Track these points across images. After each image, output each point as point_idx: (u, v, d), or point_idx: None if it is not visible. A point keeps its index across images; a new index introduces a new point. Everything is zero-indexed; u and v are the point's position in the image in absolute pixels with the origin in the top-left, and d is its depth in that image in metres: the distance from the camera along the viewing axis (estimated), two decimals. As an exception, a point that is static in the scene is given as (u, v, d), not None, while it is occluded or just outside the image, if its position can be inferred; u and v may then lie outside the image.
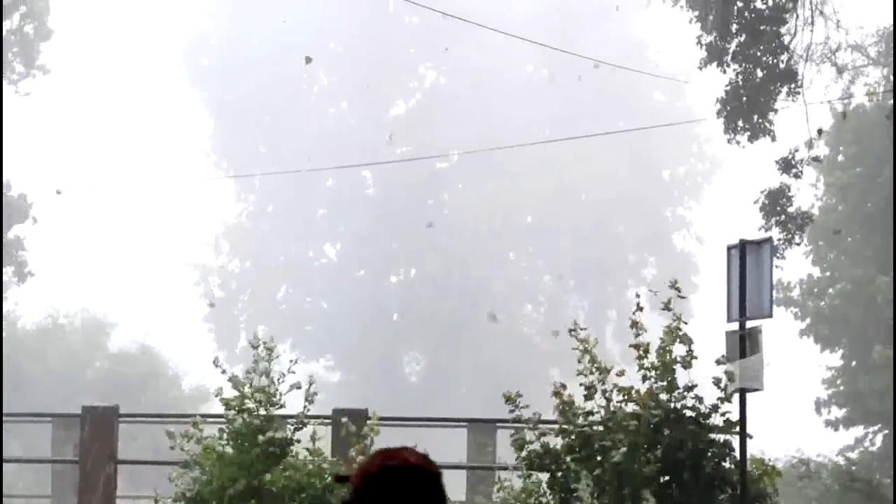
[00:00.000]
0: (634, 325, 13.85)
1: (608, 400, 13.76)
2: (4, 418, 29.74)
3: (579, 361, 13.73)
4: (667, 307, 13.68)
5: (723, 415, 13.86)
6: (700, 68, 26.27)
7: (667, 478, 13.33)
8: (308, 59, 43.70)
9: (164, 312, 74.30)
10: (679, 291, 13.74)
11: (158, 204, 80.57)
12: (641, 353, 13.74)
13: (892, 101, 13.66)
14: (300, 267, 67.04)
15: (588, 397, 13.83)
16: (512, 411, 13.88)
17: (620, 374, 13.83)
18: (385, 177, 64.89)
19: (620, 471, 13.11)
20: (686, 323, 13.99)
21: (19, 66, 41.28)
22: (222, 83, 65.86)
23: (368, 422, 14.12)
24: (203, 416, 18.56)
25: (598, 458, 13.38)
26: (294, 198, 65.68)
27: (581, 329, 13.87)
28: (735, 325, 14.07)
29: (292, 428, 13.75)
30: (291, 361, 14.26)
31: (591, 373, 13.73)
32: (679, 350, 13.85)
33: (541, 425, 13.82)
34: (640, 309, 14.04)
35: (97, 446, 18.38)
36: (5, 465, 30.65)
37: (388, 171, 61.43)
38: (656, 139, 60.76)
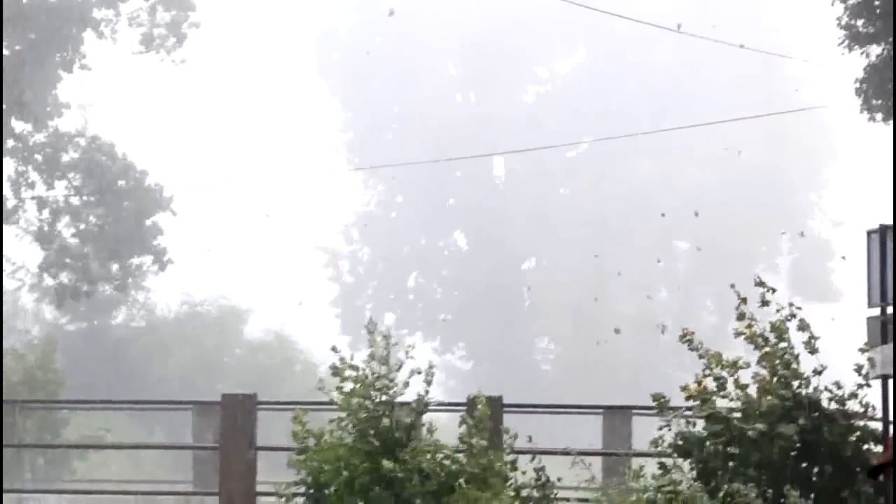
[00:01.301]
0: (742, 316, 13.77)
1: (741, 388, 13.72)
2: (147, 406, 30.39)
3: (701, 358, 13.73)
4: (764, 303, 13.60)
5: (861, 401, 13.73)
6: (844, 48, 25.87)
7: (805, 464, 13.26)
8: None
9: (298, 300, 75.12)
10: (764, 286, 13.64)
11: (290, 194, 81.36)
12: (760, 341, 13.68)
13: None
14: (430, 256, 67.38)
15: (720, 388, 13.81)
16: (658, 413, 13.80)
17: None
18: (514, 166, 64.96)
19: (760, 457, 13.07)
20: (800, 308, 13.83)
21: (166, 54, 42.04)
22: (351, 75, 66.42)
23: (479, 407, 14.11)
24: (332, 402, 18.81)
25: (738, 445, 13.35)
26: (423, 187, 66.00)
27: (690, 334, 13.80)
28: (876, 311, 13.91)
29: (416, 414, 13.80)
30: (410, 347, 14.28)
31: (720, 367, 13.69)
32: (800, 337, 13.74)
33: (685, 412, 13.79)
34: (743, 301, 13.93)
35: (237, 433, 18.69)
36: (148, 452, 31.32)
37: (517, 159, 61.51)
38: (788, 123, 60.06)
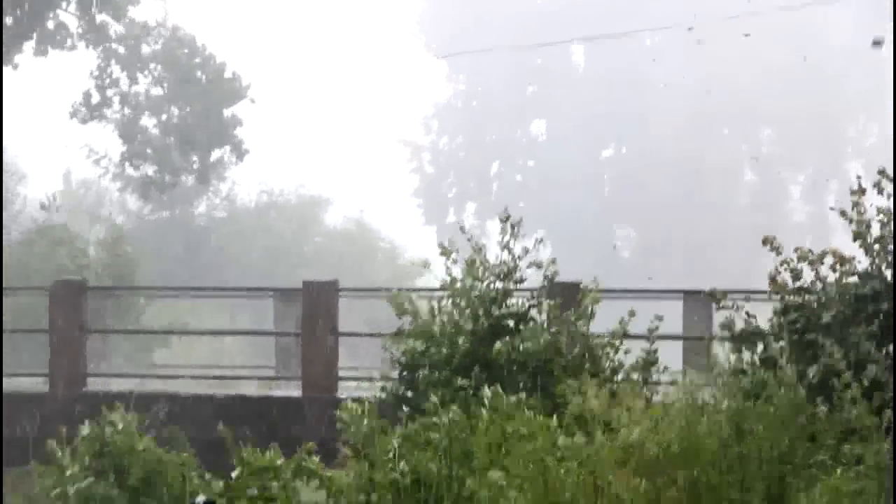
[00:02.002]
0: (852, 207, 13.62)
1: (821, 279, 13.65)
2: (230, 293, 30.64)
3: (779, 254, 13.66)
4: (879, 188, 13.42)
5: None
6: None
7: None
8: None
9: (377, 189, 75.36)
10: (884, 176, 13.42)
11: (369, 84, 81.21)
12: (864, 229, 13.55)
13: None
14: (510, 144, 67.18)
15: (796, 278, 13.76)
16: (719, 309, 13.82)
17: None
18: (595, 53, 64.32)
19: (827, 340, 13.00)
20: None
21: None
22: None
23: (591, 293, 14.13)
24: (419, 288, 18.85)
25: (815, 330, 13.29)
26: (504, 76, 65.59)
27: (772, 239, 13.69)
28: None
29: (529, 304, 13.84)
30: (538, 240, 14.35)
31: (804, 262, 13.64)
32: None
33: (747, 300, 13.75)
34: (862, 192, 13.73)
35: (318, 319, 18.83)
36: (231, 339, 31.67)
37: (598, 46, 60.87)
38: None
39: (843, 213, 13.63)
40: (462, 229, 14.53)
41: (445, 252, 13.96)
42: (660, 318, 13.41)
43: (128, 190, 44.75)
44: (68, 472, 11.59)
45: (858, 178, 14.02)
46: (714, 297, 13.92)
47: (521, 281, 14.04)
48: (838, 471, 10.97)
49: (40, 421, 18.42)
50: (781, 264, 13.79)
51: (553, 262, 14.26)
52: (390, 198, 72.33)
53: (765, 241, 13.75)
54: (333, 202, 53.95)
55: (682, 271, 55.66)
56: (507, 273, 13.92)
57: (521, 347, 13.27)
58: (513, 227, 13.97)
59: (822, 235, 56.13)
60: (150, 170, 41.54)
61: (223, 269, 43.40)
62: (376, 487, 9.84)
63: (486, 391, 11.21)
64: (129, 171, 42.62)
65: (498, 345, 13.16)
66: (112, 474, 11.51)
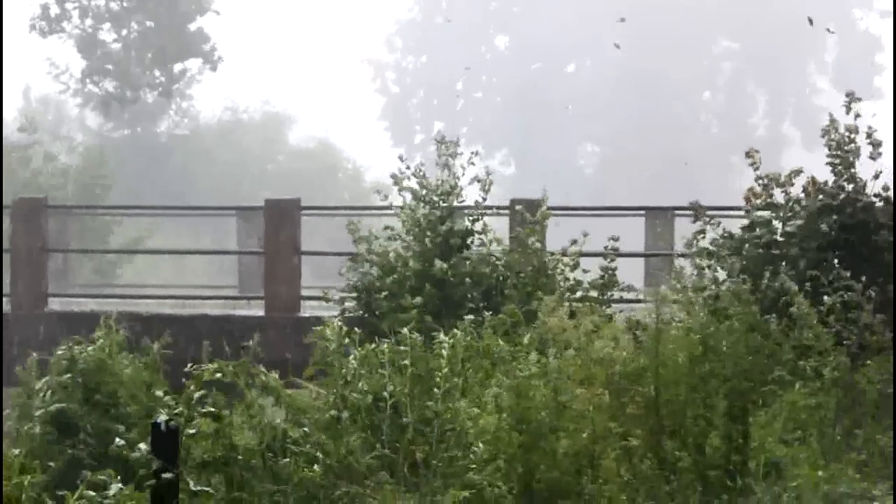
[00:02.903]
0: (822, 135, 13.75)
1: (788, 196, 13.81)
2: (192, 212, 30.56)
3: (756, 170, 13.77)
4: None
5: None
6: None
7: (847, 263, 13.30)
8: None
9: (341, 109, 75.05)
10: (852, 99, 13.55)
11: (332, 1, 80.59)
12: (834, 145, 13.72)
13: None
14: (474, 61, 66.85)
15: (768, 196, 13.91)
16: (695, 222, 13.94)
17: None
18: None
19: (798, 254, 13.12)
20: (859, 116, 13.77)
21: None
22: None
23: (540, 210, 14.18)
24: (382, 207, 18.84)
25: (777, 246, 13.42)
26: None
27: (755, 152, 13.81)
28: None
29: (471, 220, 13.90)
30: (473, 153, 14.38)
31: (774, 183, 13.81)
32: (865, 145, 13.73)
33: (717, 212, 13.86)
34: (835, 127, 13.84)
35: (281, 238, 18.80)
36: (194, 258, 31.60)
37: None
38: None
39: (827, 138, 13.72)
40: (441, 140, 14.55)
41: (397, 181, 14.04)
42: (615, 239, 13.46)
43: (88, 107, 44.39)
44: (40, 395, 11.61)
45: (831, 116, 14.05)
46: (696, 211, 13.96)
47: (462, 199, 14.08)
48: (796, 385, 11.10)
49: (2, 341, 18.38)
50: (756, 180, 13.93)
51: (489, 174, 14.28)
52: (355, 117, 72.08)
53: (748, 155, 13.86)
54: (298, 121, 53.72)
55: (646, 190, 55.74)
56: (449, 192, 13.96)
57: (468, 265, 13.32)
58: (448, 147, 14.06)
59: (777, 150, 56.29)
60: (110, 85, 41.21)
61: (186, 187, 43.19)
62: (347, 406, 9.86)
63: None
64: (90, 87, 42.26)
65: (438, 263, 13.20)
66: (80, 393, 11.53)
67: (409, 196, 14.08)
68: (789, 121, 65.73)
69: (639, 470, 8.95)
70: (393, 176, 14.37)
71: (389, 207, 14.90)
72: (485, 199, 14.39)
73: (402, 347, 10.41)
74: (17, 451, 9.41)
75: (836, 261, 13.22)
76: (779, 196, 13.93)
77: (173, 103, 46.46)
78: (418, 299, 12.67)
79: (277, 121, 52.44)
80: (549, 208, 14.24)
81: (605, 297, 13.05)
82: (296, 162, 49.78)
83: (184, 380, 10.61)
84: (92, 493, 8.45)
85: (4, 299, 19.15)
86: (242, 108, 52.14)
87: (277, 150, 51.23)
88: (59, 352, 12.28)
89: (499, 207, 14.47)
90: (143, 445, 8.97)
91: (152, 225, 31.21)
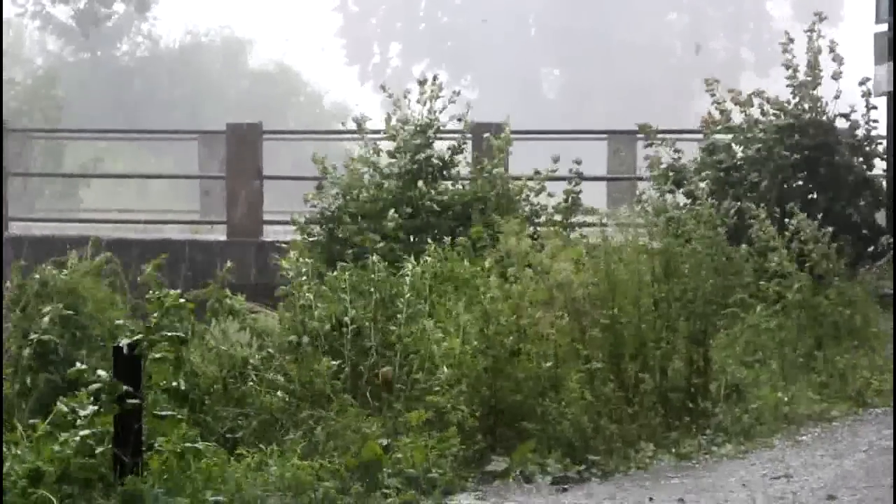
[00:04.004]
0: (783, 51, 13.80)
1: (748, 116, 13.89)
2: (153, 136, 30.39)
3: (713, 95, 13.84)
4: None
5: (868, 122, 13.86)
6: None
7: (810, 186, 13.39)
8: None
9: (299, 30, 74.52)
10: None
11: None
12: (791, 72, 13.78)
13: None
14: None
15: (726, 119, 13.99)
16: (647, 146, 14.06)
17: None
18: None
19: (760, 179, 13.19)
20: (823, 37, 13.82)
21: None
22: None
23: (502, 135, 14.16)
24: (344, 132, 18.75)
25: (738, 170, 13.49)
26: None
27: (714, 82, 13.89)
28: (884, 27, 13.75)
29: (450, 150, 13.88)
30: (454, 92, 14.33)
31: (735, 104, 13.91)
32: (828, 65, 13.80)
33: (678, 136, 13.94)
34: (791, 41, 13.88)
35: (242, 162, 18.75)
36: (155, 183, 31.45)
37: None
38: None
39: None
40: (383, 88, 14.56)
41: (361, 128, 14.01)
42: (578, 163, 13.48)
43: (48, 30, 43.93)
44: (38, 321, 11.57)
45: (787, 34, 14.05)
46: (645, 132, 14.05)
47: (440, 129, 14.07)
48: (758, 308, 11.20)
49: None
50: (713, 104, 13.99)
51: (468, 107, 14.30)
52: (313, 38, 71.59)
53: (707, 83, 13.91)
54: (256, 43, 53.34)
55: (608, 114, 55.74)
56: (427, 126, 13.96)
57: (441, 192, 13.33)
58: (432, 88, 14.00)
59: (734, 74, 56.29)
60: (72, 8, 40.77)
61: (147, 111, 42.90)
62: (307, 331, 9.87)
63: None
64: (50, 9, 41.79)
65: (420, 184, 13.21)
66: (49, 318, 11.50)
67: (392, 122, 14.04)
68: (748, 46, 65.75)
69: (601, 392, 9.01)
70: (355, 120, 14.32)
71: (350, 132, 14.85)
72: (462, 135, 14.37)
73: (366, 272, 10.43)
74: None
75: (797, 183, 13.31)
76: (738, 117, 13.96)
77: (133, 27, 46.06)
78: (393, 223, 12.67)
79: (237, 45, 52.09)
80: (512, 133, 14.22)
81: (569, 221, 13.07)
82: (256, 86, 49.49)
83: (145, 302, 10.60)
84: (65, 411, 8.44)
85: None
86: (203, 32, 51.76)
87: (239, 73, 50.92)
88: (36, 276, 12.24)
89: (463, 132, 14.42)
90: (101, 372, 8.96)
91: (114, 149, 31.04)
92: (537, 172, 13.55)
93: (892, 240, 12.83)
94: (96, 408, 8.46)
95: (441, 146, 14.04)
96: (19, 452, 8.01)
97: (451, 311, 9.89)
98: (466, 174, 13.87)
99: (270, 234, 18.12)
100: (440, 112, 14.01)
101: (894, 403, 7.84)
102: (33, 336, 11.30)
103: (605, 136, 20.36)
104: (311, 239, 13.20)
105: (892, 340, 9.08)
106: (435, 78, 14.24)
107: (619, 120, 25.20)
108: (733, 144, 13.81)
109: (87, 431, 8.15)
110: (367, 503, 7.97)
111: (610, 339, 9.31)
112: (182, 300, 9.52)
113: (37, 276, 12.02)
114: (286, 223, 16.83)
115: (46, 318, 11.50)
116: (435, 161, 13.63)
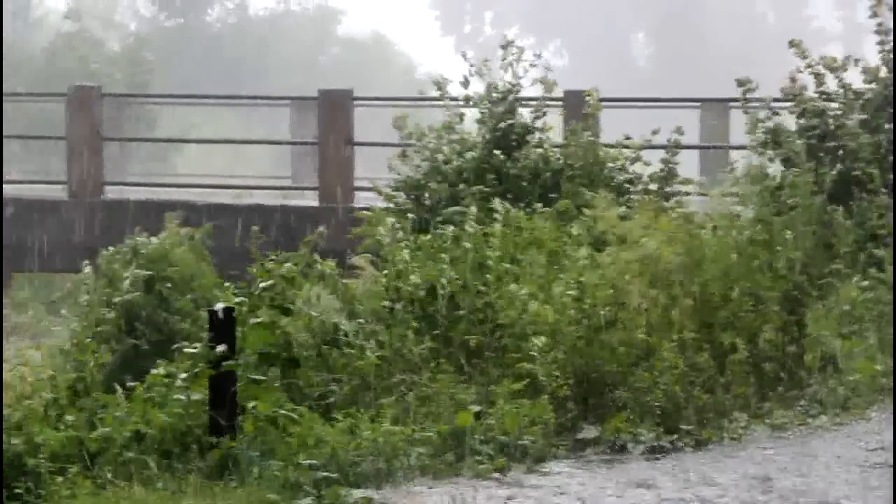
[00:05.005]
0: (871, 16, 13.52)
1: (844, 86, 13.62)
2: (246, 101, 30.60)
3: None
4: None
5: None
6: None
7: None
8: None
9: (392, 1, 74.52)
10: None
11: None
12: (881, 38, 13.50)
13: None
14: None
15: (819, 83, 13.73)
16: (745, 92, 13.84)
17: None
18: None
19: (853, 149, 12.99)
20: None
21: None
22: None
23: (589, 100, 14.09)
24: (435, 99, 18.73)
25: (834, 138, 13.29)
26: None
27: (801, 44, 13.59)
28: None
29: (533, 116, 13.83)
30: (535, 55, 14.28)
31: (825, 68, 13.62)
32: None
33: (773, 104, 13.73)
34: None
35: (334, 129, 18.82)
36: (247, 148, 31.70)
37: None
38: None
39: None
40: (464, 55, 14.53)
41: (441, 88, 14.00)
42: (679, 133, 13.36)
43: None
44: (123, 283, 11.72)
45: None
46: (743, 85, 13.76)
47: (521, 96, 14.03)
48: (854, 278, 11.04)
49: (62, 227, 18.55)
50: (806, 67, 13.72)
51: (548, 70, 14.22)
52: (406, 8, 71.56)
53: (792, 45, 13.65)
54: (348, 12, 53.42)
55: (700, 82, 55.27)
56: (510, 90, 13.91)
57: (528, 159, 13.28)
58: (514, 52, 13.95)
59: (852, 47, 55.52)
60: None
61: (239, 78, 43.15)
62: (400, 296, 9.90)
63: (497, 203, 11.22)
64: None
65: (500, 154, 13.18)
66: (141, 283, 11.65)
67: (475, 89, 14.03)
68: (841, 14, 64.88)
69: (694, 362, 8.95)
70: (435, 83, 14.31)
71: (440, 99, 14.83)
72: (545, 101, 14.30)
73: (456, 238, 10.44)
74: (94, 335, 9.59)
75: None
76: (832, 83, 13.68)
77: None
78: (476, 189, 12.64)
79: (329, 13, 52.19)
80: (602, 100, 14.14)
81: (664, 191, 12.97)
82: (349, 54, 49.59)
83: (237, 268, 10.70)
84: (161, 375, 8.56)
85: (60, 186, 19.31)
86: (294, 0, 51.92)
87: (330, 41, 51.04)
88: (128, 241, 12.38)
89: (553, 99, 14.36)
90: (201, 335, 9.07)
91: (206, 115, 31.28)
92: (628, 138, 13.46)
93: None
94: (192, 371, 8.58)
95: (526, 113, 14.01)
96: (118, 415, 8.13)
97: (540, 278, 9.87)
98: (556, 142, 13.81)
99: (361, 200, 18.17)
100: (522, 76, 13.95)
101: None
102: (117, 299, 11.44)
103: (697, 103, 20.18)
104: (396, 207, 13.22)
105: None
106: (514, 42, 14.15)
107: (711, 88, 24.99)
108: (826, 111, 13.58)
109: (184, 395, 8.26)
110: (459, 469, 7.98)
111: (702, 308, 9.24)
112: (287, 269, 9.59)
113: (126, 242, 12.18)
114: (378, 190, 16.89)
115: (127, 282, 11.64)
116: (518, 128, 13.58)
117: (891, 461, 7.12)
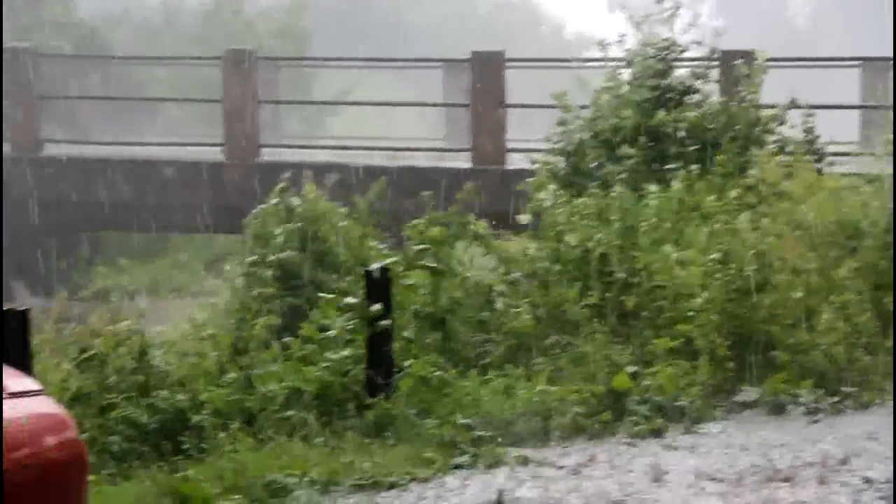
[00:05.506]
0: None
1: None
2: (395, 64, 30.73)
3: None
4: None
5: None
6: None
7: None
8: None
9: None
10: None
11: None
12: None
13: None
14: None
15: None
16: None
17: None
18: None
19: None
20: None
21: None
22: None
23: (755, 62, 13.87)
24: (587, 60, 18.65)
25: None
26: None
27: None
28: None
29: (693, 75, 13.66)
30: (695, 15, 14.10)
31: None
32: None
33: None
34: None
35: (486, 90, 18.80)
36: (399, 111, 31.85)
37: None
38: None
39: None
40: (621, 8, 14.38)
41: (603, 48, 13.85)
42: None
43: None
44: (274, 240, 11.83)
45: None
46: None
47: (683, 50, 13.84)
48: None
49: (219, 189, 18.86)
50: None
51: (716, 33, 14.03)
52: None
53: None
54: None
55: (860, 41, 54.16)
56: (669, 47, 13.74)
57: (686, 118, 13.11)
58: (670, 9, 13.76)
59: None
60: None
61: (390, 40, 43.35)
62: (558, 258, 9.88)
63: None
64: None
65: (661, 113, 13.02)
66: (298, 242, 11.76)
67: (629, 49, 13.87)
68: None
69: (856, 323, 8.80)
70: (599, 43, 14.18)
71: (591, 60, 14.72)
72: (704, 61, 14.12)
73: (612, 200, 10.39)
74: (254, 293, 9.72)
75: None
76: None
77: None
78: (633, 150, 12.53)
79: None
80: (756, 59, 13.90)
81: (823, 152, 12.72)
82: (499, 14, 49.50)
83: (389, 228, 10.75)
84: (313, 330, 8.67)
85: (218, 148, 19.58)
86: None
87: (479, 3, 51.00)
88: (273, 201, 12.47)
89: (711, 60, 14.15)
90: (356, 293, 9.15)
91: (359, 77, 31.46)
92: (793, 102, 13.21)
93: None
94: (349, 330, 8.67)
95: (683, 74, 13.83)
96: (277, 370, 8.26)
97: (697, 240, 9.78)
98: (715, 102, 13.60)
99: (514, 161, 18.15)
100: (681, 34, 13.79)
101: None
102: (271, 257, 11.56)
103: (857, 63, 19.75)
104: (553, 172, 13.16)
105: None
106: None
107: (871, 48, 24.46)
108: None
109: (342, 353, 8.35)
110: (615, 430, 7.96)
111: (867, 270, 9.08)
112: (440, 230, 9.64)
113: (276, 200, 12.27)
114: (528, 150, 16.86)
115: (281, 239, 11.75)
116: (677, 87, 13.43)
117: None
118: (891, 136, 11.08)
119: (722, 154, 11.74)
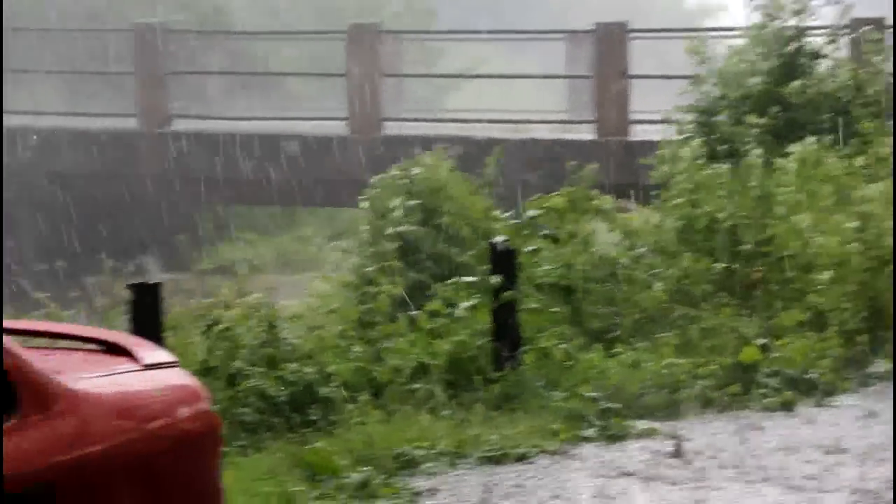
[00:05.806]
0: None
1: None
2: (518, 37, 30.67)
3: None
4: None
5: None
6: None
7: None
8: None
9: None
10: None
11: None
12: None
13: None
14: None
15: None
16: None
17: None
18: None
19: None
20: None
21: None
22: None
23: (886, 29, 13.62)
24: (713, 29, 18.44)
25: None
26: None
27: None
28: None
29: (825, 41, 13.40)
30: None
31: None
32: None
33: None
34: None
35: (609, 62, 18.68)
36: (521, 83, 31.78)
37: None
38: None
39: None
40: None
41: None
42: None
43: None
44: (392, 214, 11.82)
45: None
46: None
47: (814, 16, 13.58)
48: None
49: (343, 163, 18.96)
50: None
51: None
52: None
53: None
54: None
55: None
56: (801, 10, 13.49)
57: (817, 86, 12.89)
58: None
59: None
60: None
61: (509, 12, 43.21)
62: (686, 230, 9.78)
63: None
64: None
65: (796, 83, 12.80)
66: (419, 216, 11.74)
67: (758, 16, 13.63)
68: None
69: None
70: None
71: (717, 29, 14.50)
72: (837, 28, 13.83)
73: (740, 170, 10.26)
74: (371, 268, 9.75)
75: None
76: None
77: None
78: (763, 119, 12.34)
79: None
80: (888, 27, 13.64)
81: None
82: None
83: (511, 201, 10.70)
84: (443, 306, 8.68)
85: (341, 122, 19.68)
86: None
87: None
88: (395, 173, 12.42)
89: (841, 27, 13.89)
90: (481, 267, 9.15)
91: (482, 51, 31.43)
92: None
93: None
94: (474, 302, 8.68)
95: (813, 42, 13.59)
96: (404, 345, 8.28)
97: (826, 210, 9.63)
98: (846, 70, 13.35)
99: (638, 133, 18.00)
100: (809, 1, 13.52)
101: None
102: (389, 230, 11.54)
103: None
104: (683, 137, 12.98)
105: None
106: None
107: None
108: None
109: (473, 328, 8.36)
110: (744, 402, 7.89)
111: None
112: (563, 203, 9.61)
113: (393, 173, 12.23)
114: (652, 122, 16.71)
115: (400, 212, 11.72)
116: (807, 53, 13.19)
117: None
118: None
119: (857, 122, 11.50)
